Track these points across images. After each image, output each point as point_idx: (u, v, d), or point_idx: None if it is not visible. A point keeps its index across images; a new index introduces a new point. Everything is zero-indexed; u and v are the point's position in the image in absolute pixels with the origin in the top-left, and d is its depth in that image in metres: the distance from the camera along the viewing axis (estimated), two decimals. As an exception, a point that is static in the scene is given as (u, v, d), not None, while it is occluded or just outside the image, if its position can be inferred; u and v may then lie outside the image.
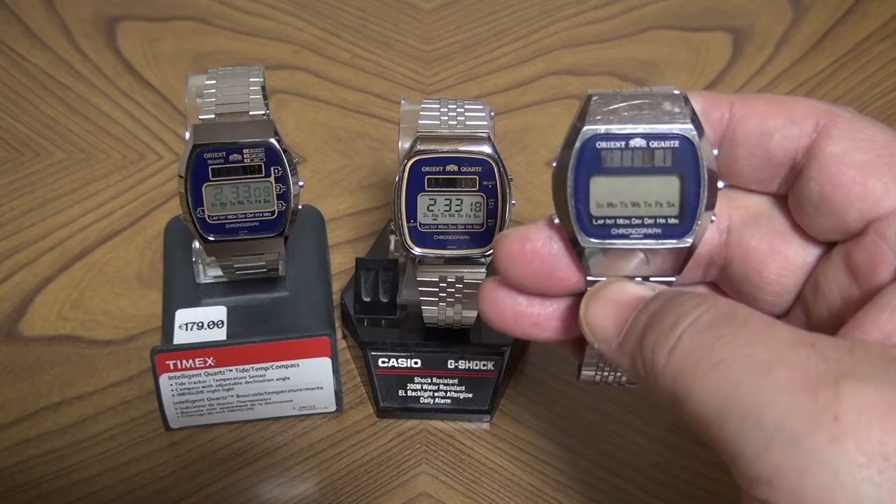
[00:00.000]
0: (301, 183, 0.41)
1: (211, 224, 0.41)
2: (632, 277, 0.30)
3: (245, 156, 0.40)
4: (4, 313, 0.49)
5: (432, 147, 0.38)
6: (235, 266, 0.44)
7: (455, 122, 0.39)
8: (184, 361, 0.42)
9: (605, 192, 0.29)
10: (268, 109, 0.41)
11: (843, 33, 0.66)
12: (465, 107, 0.39)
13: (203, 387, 0.42)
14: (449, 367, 0.45)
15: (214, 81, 0.41)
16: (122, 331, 0.48)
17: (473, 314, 0.43)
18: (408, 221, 0.39)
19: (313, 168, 0.57)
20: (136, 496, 0.42)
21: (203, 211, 0.40)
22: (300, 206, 0.42)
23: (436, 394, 0.44)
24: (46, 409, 0.45)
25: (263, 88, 0.41)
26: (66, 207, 0.54)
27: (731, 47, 0.66)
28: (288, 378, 0.43)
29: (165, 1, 0.69)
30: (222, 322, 0.45)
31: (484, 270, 0.41)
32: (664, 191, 0.29)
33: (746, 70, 0.64)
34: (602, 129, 0.29)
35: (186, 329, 0.45)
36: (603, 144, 0.29)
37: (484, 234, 0.39)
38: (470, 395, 0.44)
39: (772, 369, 0.24)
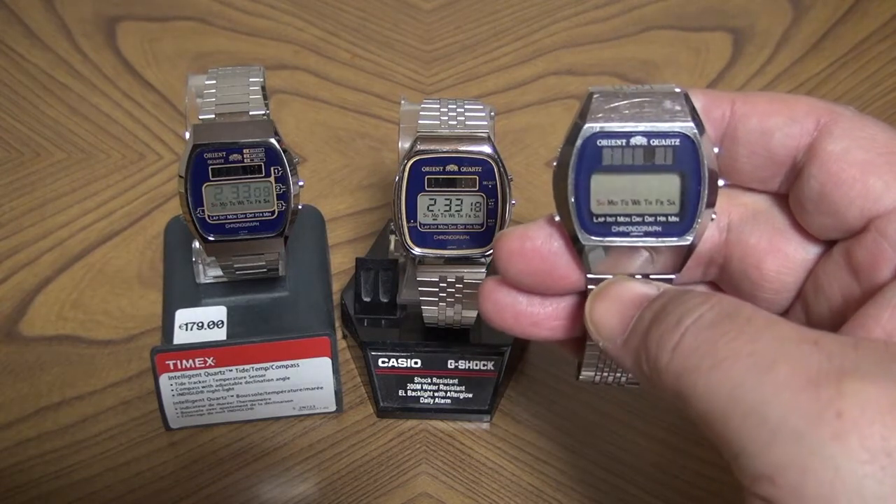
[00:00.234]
0: (301, 183, 0.41)
1: (211, 224, 0.41)
2: (632, 275, 0.30)
3: (245, 156, 0.40)
4: (4, 313, 0.49)
5: (432, 147, 0.38)
6: (235, 266, 0.44)
7: (455, 122, 0.39)
8: (184, 361, 0.42)
9: (605, 189, 0.29)
10: (268, 109, 0.41)
11: (843, 33, 0.66)
12: (465, 107, 0.39)
13: (203, 387, 0.42)
14: (449, 367, 0.45)
15: (214, 81, 0.41)
16: (122, 331, 0.48)
17: (473, 314, 0.43)
18: (408, 221, 0.39)
19: (313, 168, 0.57)
20: (136, 496, 0.42)
21: (203, 211, 0.40)
22: (300, 206, 0.42)
23: (436, 394, 0.44)
24: (46, 409, 0.45)
25: (263, 88, 0.41)
26: (66, 207, 0.54)
27: (731, 47, 0.66)
28: (288, 378, 0.43)
29: (165, 1, 0.69)
30: (222, 322, 0.45)
31: (484, 270, 0.41)
32: (665, 189, 0.29)
33: (746, 70, 0.64)
34: (603, 126, 0.29)
35: (186, 329, 0.45)
36: (604, 142, 0.29)
37: (484, 234, 0.39)
38: (470, 395, 0.44)
39: (774, 366, 0.24)
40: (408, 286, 0.45)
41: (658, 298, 0.28)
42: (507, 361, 0.44)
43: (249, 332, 0.45)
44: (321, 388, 0.43)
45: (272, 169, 0.40)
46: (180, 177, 0.40)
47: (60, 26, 0.67)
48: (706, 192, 0.29)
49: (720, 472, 0.42)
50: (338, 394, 0.44)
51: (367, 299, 0.46)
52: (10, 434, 0.44)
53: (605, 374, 0.33)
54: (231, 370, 0.42)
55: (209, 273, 0.47)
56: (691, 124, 0.29)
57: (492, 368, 0.45)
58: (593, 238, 0.30)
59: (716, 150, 0.29)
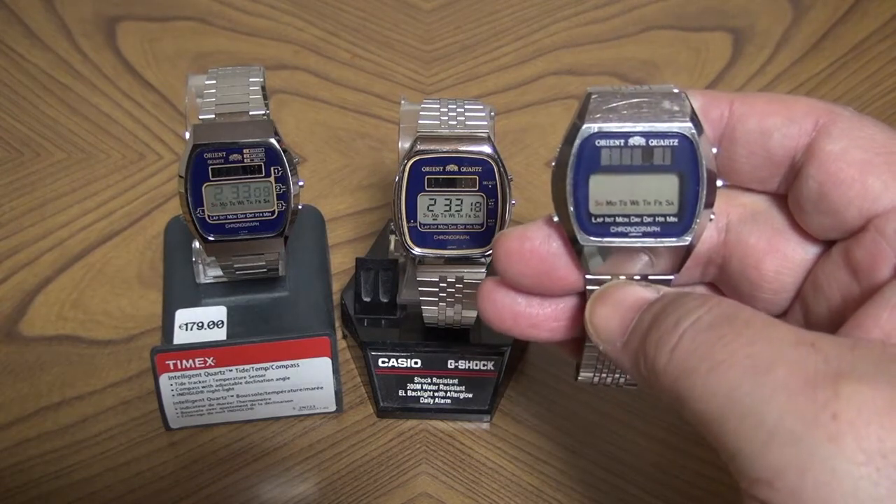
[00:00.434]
0: (301, 183, 0.41)
1: (211, 224, 0.41)
2: (631, 276, 0.30)
3: (245, 156, 0.40)
4: (4, 313, 0.49)
5: (432, 147, 0.38)
6: (235, 266, 0.44)
7: (455, 122, 0.39)
8: (184, 361, 0.42)
9: (604, 190, 0.29)
10: (268, 109, 0.41)
11: (843, 33, 0.66)
12: (465, 107, 0.39)
13: (203, 387, 0.42)
14: (449, 367, 0.45)
15: (214, 81, 0.41)
16: (122, 331, 0.48)
17: (473, 314, 0.43)
18: (408, 221, 0.39)
19: (313, 168, 0.57)
20: (136, 496, 0.42)
21: (203, 211, 0.40)
22: (300, 206, 0.42)
23: (436, 394, 0.44)
24: (46, 409, 0.45)
25: (263, 88, 0.41)
26: (66, 207, 0.54)
27: (731, 47, 0.66)
28: (288, 378, 0.43)
29: (165, 1, 0.69)
30: (222, 322, 0.45)
31: (484, 270, 0.41)
32: (663, 189, 0.29)
33: (746, 70, 0.64)
34: (602, 127, 0.29)
35: (186, 329, 0.45)
36: (602, 142, 0.29)
37: (484, 234, 0.39)
38: (470, 395, 0.44)
39: (771, 368, 0.24)
40: (408, 286, 0.45)
41: (657, 301, 0.29)
42: (507, 361, 0.44)
43: (249, 332, 0.45)
44: (321, 388, 0.43)
45: (272, 169, 0.40)
46: (180, 177, 0.40)
47: (60, 26, 0.67)
48: (705, 192, 0.29)
49: (720, 472, 0.42)
50: (338, 394, 0.44)
51: (367, 299, 0.46)
52: (10, 434, 0.44)
53: (604, 375, 0.33)
54: (231, 370, 0.42)
55: (209, 273, 0.47)
56: (690, 125, 0.29)
57: (492, 368, 0.45)
58: (592, 238, 0.30)
59: (714, 150, 0.29)
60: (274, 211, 0.41)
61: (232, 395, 0.43)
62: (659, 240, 0.30)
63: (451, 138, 0.38)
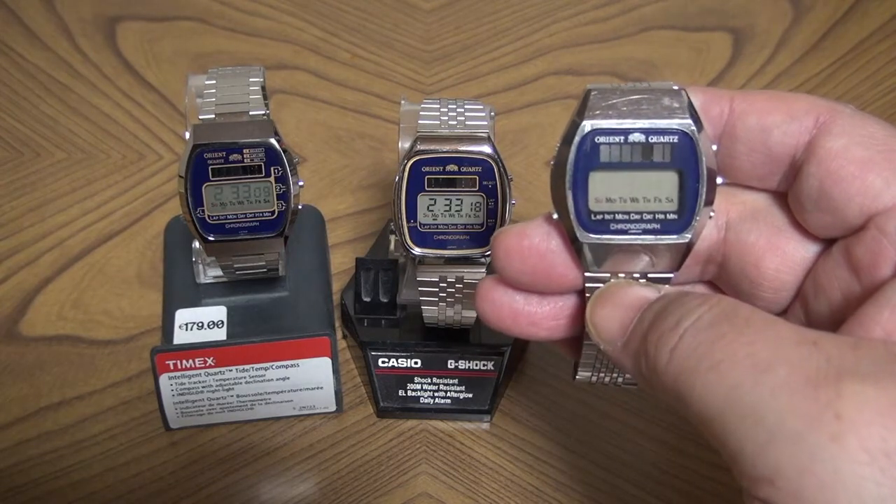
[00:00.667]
0: (301, 183, 0.41)
1: (211, 224, 0.41)
2: (630, 274, 0.30)
3: (245, 156, 0.40)
4: (4, 313, 0.49)
5: (432, 147, 0.38)
6: (235, 266, 0.44)
7: (455, 122, 0.39)
8: (184, 361, 0.42)
9: (603, 187, 0.29)
10: (268, 109, 0.41)
11: (843, 33, 0.66)
12: (465, 107, 0.39)
13: (203, 387, 0.42)
14: (449, 367, 0.45)
15: (214, 81, 0.41)
16: (122, 331, 0.48)
17: (473, 314, 0.43)
18: (408, 221, 0.39)
19: (313, 168, 0.57)
20: (136, 496, 0.42)
21: (203, 211, 0.40)
22: (300, 206, 0.42)
23: (436, 394, 0.44)
24: (46, 409, 0.45)
25: (263, 88, 0.41)
26: (66, 207, 0.54)
27: (731, 47, 0.66)
28: (288, 378, 0.43)
29: (165, 1, 0.69)
30: (222, 322, 0.45)
31: (484, 270, 0.41)
32: (663, 186, 0.29)
33: (746, 70, 0.64)
34: (601, 124, 0.29)
35: (186, 329, 0.45)
36: (602, 139, 0.29)
37: (484, 234, 0.39)
38: (470, 395, 0.44)
39: (772, 367, 0.24)
40: (408, 286, 0.45)
41: (658, 300, 0.28)
42: (507, 361, 0.44)
43: (249, 332, 0.45)
44: (321, 388, 0.43)
45: (272, 169, 0.40)
46: (180, 177, 0.40)
47: (60, 26, 0.67)
48: (704, 189, 0.29)
49: (720, 472, 0.42)
50: (338, 394, 0.44)
51: (367, 299, 0.46)
52: (10, 434, 0.44)
53: (602, 374, 0.33)
54: (231, 370, 0.42)
55: (209, 273, 0.47)
56: (689, 121, 0.29)
57: (492, 368, 0.45)
58: (591, 236, 0.30)
59: (714, 147, 0.29)
60: (274, 211, 0.41)
61: (232, 395, 0.43)
62: (659, 237, 0.30)
63: (451, 138, 0.38)
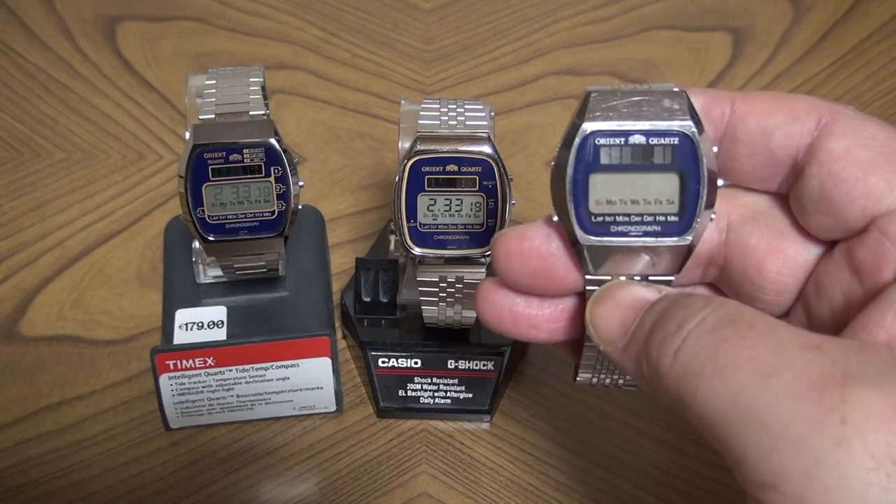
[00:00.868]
0: (301, 183, 0.41)
1: (211, 224, 0.41)
2: (631, 276, 0.30)
3: (245, 156, 0.40)
4: (4, 313, 0.49)
5: (432, 147, 0.38)
6: (235, 266, 0.44)
7: (455, 122, 0.39)
8: (184, 361, 0.42)
9: (604, 189, 0.29)
10: (268, 109, 0.41)
11: (843, 33, 0.66)
12: (465, 107, 0.39)
13: (203, 387, 0.42)
14: (449, 367, 0.45)
15: (214, 81, 0.41)
16: (122, 331, 0.48)
17: (473, 314, 0.43)
18: (408, 221, 0.39)
19: (313, 168, 0.57)
20: (136, 496, 0.42)
21: (203, 211, 0.40)
22: (300, 206, 0.42)
23: (436, 394, 0.44)
24: (46, 409, 0.45)
25: (263, 88, 0.41)
26: (66, 207, 0.54)
27: (731, 47, 0.66)
28: (288, 378, 0.43)
29: (165, 1, 0.69)
30: (222, 322, 0.45)
31: (484, 270, 0.41)
32: (664, 188, 0.29)
33: (746, 70, 0.64)
34: (601, 125, 0.29)
35: (186, 329, 0.45)
36: (602, 141, 0.29)
37: (484, 234, 0.39)
38: (470, 395, 0.44)
39: (777, 372, 0.24)
40: (408, 286, 0.45)
41: (659, 302, 0.28)
42: (507, 361, 0.44)
43: (249, 332, 0.45)
44: (321, 388, 0.43)
45: (272, 169, 0.40)
46: (180, 177, 0.40)
47: (60, 26, 0.67)
48: (705, 191, 0.29)
49: (720, 472, 0.42)
50: (338, 394, 0.44)
51: (367, 299, 0.46)
52: (10, 434, 0.44)
53: (602, 376, 0.33)
54: (231, 370, 0.42)
55: (209, 273, 0.47)
56: (690, 123, 0.29)
57: (492, 368, 0.45)
58: (592, 238, 0.30)
59: (714, 149, 0.29)
60: (274, 211, 0.41)
61: (232, 395, 0.43)
62: (659, 239, 0.30)
63: (451, 138, 0.38)
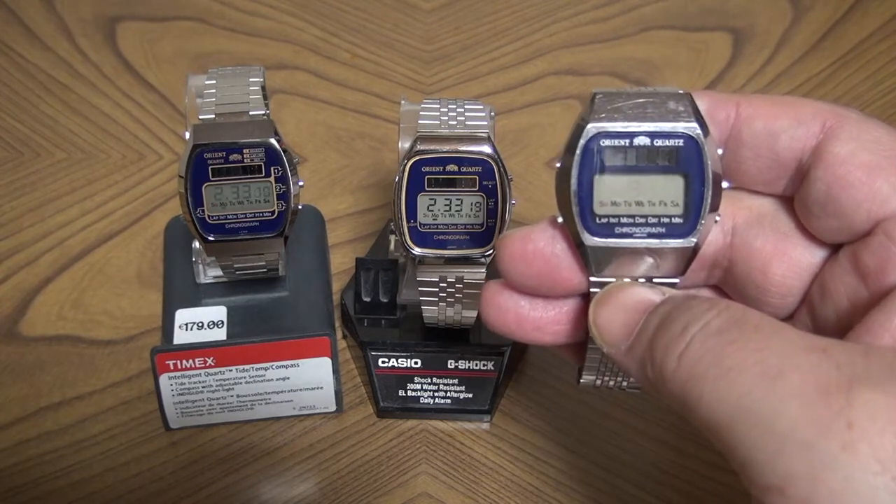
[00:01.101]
0: (301, 183, 0.41)
1: (211, 224, 0.41)
2: (635, 278, 0.30)
3: (245, 156, 0.40)
4: (4, 313, 0.49)
5: (432, 147, 0.38)
6: (235, 266, 0.44)
7: (455, 122, 0.39)
8: (184, 361, 0.42)
9: (608, 190, 0.29)
10: (268, 109, 0.41)
11: (843, 33, 0.66)
12: (465, 107, 0.39)
13: (203, 387, 0.42)
14: (449, 367, 0.45)
15: (214, 81, 0.41)
16: (122, 331, 0.48)
17: (473, 314, 0.43)
18: (408, 221, 0.39)
19: (313, 168, 0.57)
20: (136, 496, 0.42)
21: (203, 211, 0.40)
22: (300, 206, 0.42)
23: (436, 394, 0.44)
24: (46, 409, 0.45)
25: (263, 88, 0.41)
26: (66, 207, 0.54)
27: (731, 47, 0.66)
28: (288, 378, 0.43)
29: (165, 1, 0.69)
30: (222, 322, 0.45)
31: (484, 270, 0.41)
32: (668, 190, 0.29)
33: (746, 70, 0.64)
34: (606, 127, 0.29)
35: (186, 329, 0.45)
36: (607, 143, 0.29)
37: (484, 234, 0.39)
38: (470, 395, 0.44)
39: (783, 375, 0.24)
40: (408, 286, 0.45)
41: (663, 304, 0.28)
42: (507, 361, 0.44)
43: (249, 332, 0.45)
44: (321, 388, 0.43)
45: (272, 169, 0.40)
46: (180, 177, 0.40)
47: (60, 26, 0.67)
48: (710, 193, 0.29)
49: (720, 472, 0.42)
50: (338, 394, 0.44)
51: (367, 299, 0.46)
52: (10, 434, 0.43)
53: (606, 378, 0.33)
54: (231, 370, 0.42)
55: (209, 273, 0.47)
56: (695, 125, 0.29)
57: (492, 368, 0.45)
58: (596, 239, 0.30)
59: (719, 151, 0.29)
60: (274, 211, 0.41)
61: (232, 395, 0.43)
62: (664, 241, 0.30)
63: (451, 138, 0.38)
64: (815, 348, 0.25)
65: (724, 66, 0.64)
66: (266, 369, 0.42)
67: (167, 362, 0.41)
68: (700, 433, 0.26)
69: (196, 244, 0.46)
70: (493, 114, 0.40)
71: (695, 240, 0.29)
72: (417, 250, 0.39)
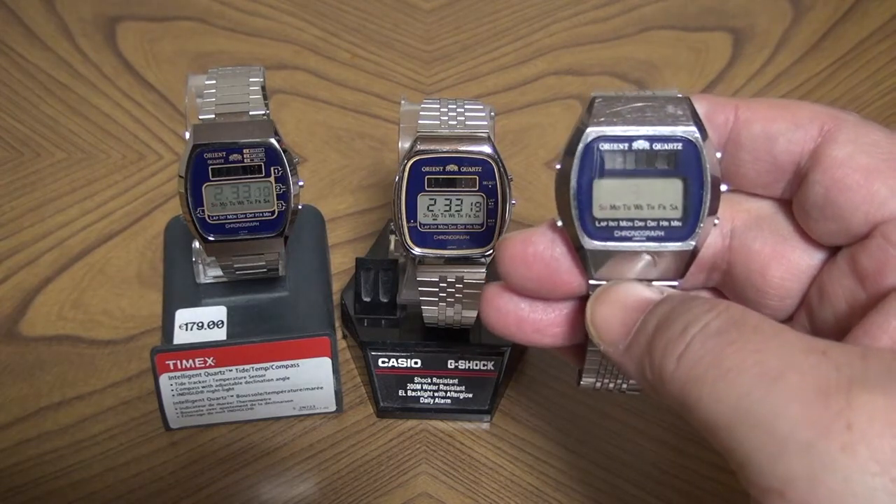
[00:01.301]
0: (301, 183, 0.41)
1: (211, 224, 0.41)
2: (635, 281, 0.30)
3: (245, 156, 0.40)
4: (4, 313, 0.49)
5: (432, 147, 0.38)
6: (235, 266, 0.44)
7: (455, 122, 0.39)
8: (184, 361, 0.42)
9: (607, 194, 0.29)
10: (268, 109, 0.41)
11: (843, 33, 0.66)
12: (465, 107, 0.39)
13: (203, 387, 0.42)
14: (449, 367, 0.45)
15: (214, 81, 0.41)
16: (122, 331, 0.48)
17: (473, 314, 0.43)
18: (408, 221, 0.39)
19: (313, 168, 0.57)
20: (136, 496, 0.42)
21: (203, 211, 0.40)
22: (300, 206, 0.42)
23: (436, 394, 0.44)
24: (46, 409, 0.45)
25: (263, 88, 0.41)
26: (66, 207, 0.54)
27: (731, 47, 0.66)
28: (288, 378, 0.43)
29: (165, 1, 0.69)
30: (222, 322, 0.45)
31: (484, 270, 0.41)
32: (667, 193, 0.29)
33: (746, 70, 0.64)
34: (605, 131, 0.29)
35: (186, 329, 0.45)
36: (606, 146, 0.29)
37: (484, 234, 0.39)
38: (470, 395, 0.44)
39: (782, 376, 0.24)
40: (408, 286, 0.45)
41: (662, 304, 0.28)
42: (507, 361, 0.45)
43: (249, 332, 0.45)
44: (321, 388, 0.43)
45: (272, 169, 0.40)
46: (180, 177, 0.40)
47: (60, 26, 0.67)
48: (709, 196, 0.29)
49: (720, 472, 0.42)
50: (338, 394, 0.44)
51: (367, 299, 0.46)
52: (10, 434, 0.44)
53: (606, 380, 0.33)
54: (231, 370, 0.42)
55: (209, 273, 0.47)
56: (694, 128, 0.29)
57: (492, 368, 0.45)
58: (595, 243, 0.30)
59: (718, 154, 0.29)
60: (274, 211, 0.41)
61: (232, 395, 0.43)
62: (663, 244, 0.30)
63: (451, 138, 0.38)
64: (814, 350, 0.25)
65: (724, 66, 0.64)
66: (266, 369, 0.42)
67: (167, 362, 0.41)
68: (700, 434, 0.26)
69: (196, 244, 0.46)
70: (493, 114, 0.40)
71: (693, 243, 0.30)
72: (417, 250, 0.39)
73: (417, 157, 0.38)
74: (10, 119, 0.60)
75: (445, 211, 0.39)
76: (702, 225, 0.29)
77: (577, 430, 0.44)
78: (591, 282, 0.30)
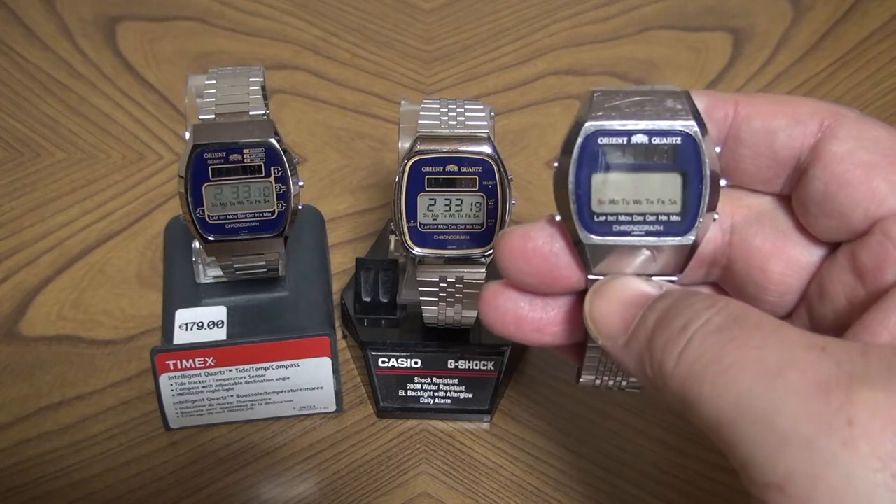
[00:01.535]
0: (301, 183, 0.41)
1: (211, 224, 0.41)
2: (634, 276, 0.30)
3: (245, 156, 0.40)
4: (4, 313, 0.49)
5: (432, 147, 0.38)
6: (235, 266, 0.44)
7: (455, 122, 0.39)
8: (184, 361, 0.42)
9: (606, 188, 0.29)
10: (268, 109, 0.41)
11: (843, 33, 0.66)
12: (465, 107, 0.39)
13: (203, 387, 0.42)
14: (449, 367, 0.45)
15: (214, 81, 0.41)
16: (122, 331, 0.48)
17: (473, 314, 0.43)
18: (408, 221, 0.39)
19: (313, 168, 0.57)
20: (136, 496, 0.42)
21: (203, 211, 0.40)
22: (300, 206, 0.42)
23: (436, 394, 0.44)
24: (46, 409, 0.45)
25: (263, 88, 0.41)
26: (66, 207, 0.54)
27: (731, 47, 0.66)
28: (288, 378, 0.43)
29: (165, 1, 0.69)
30: (222, 322, 0.45)
31: (484, 270, 0.41)
32: (666, 188, 0.29)
33: (746, 70, 0.64)
34: (604, 125, 0.29)
35: (186, 329, 0.45)
36: (605, 140, 0.29)
37: (484, 234, 0.39)
38: (470, 395, 0.44)
39: (783, 373, 0.24)
40: (408, 286, 0.45)
41: (662, 299, 0.28)
42: (507, 361, 0.44)
43: (249, 332, 0.45)
44: (321, 388, 0.43)
45: (272, 169, 0.40)
46: (180, 177, 0.40)
47: (60, 26, 0.67)
48: (708, 191, 0.29)
49: (720, 472, 0.42)
50: (338, 394, 0.44)
51: (367, 299, 0.46)
52: (10, 434, 0.44)
53: (606, 378, 0.33)
54: (231, 370, 0.42)
55: (209, 273, 0.47)
56: (693, 123, 0.29)
57: (492, 368, 0.45)
58: (594, 237, 0.30)
59: (717, 149, 0.29)
60: (274, 211, 0.41)
61: (232, 395, 0.43)
62: (662, 239, 0.30)
63: (451, 138, 0.38)
64: (814, 346, 0.25)
65: (724, 66, 0.64)
66: (266, 369, 0.42)
67: (167, 362, 0.41)
68: (700, 432, 0.26)
69: (196, 244, 0.46)
70: (493, 114, 0.40)
71: (693, 237, 0.29)
72: (417, 250, 0.39)
73: (417, 157, 0.38)
74: (10, 119, 0.60)
75: (445, 211, 0.39)
76: (701, 220, 0.29)
77: (577, 430, 0.44)
78: (590, 277, 0.30)
